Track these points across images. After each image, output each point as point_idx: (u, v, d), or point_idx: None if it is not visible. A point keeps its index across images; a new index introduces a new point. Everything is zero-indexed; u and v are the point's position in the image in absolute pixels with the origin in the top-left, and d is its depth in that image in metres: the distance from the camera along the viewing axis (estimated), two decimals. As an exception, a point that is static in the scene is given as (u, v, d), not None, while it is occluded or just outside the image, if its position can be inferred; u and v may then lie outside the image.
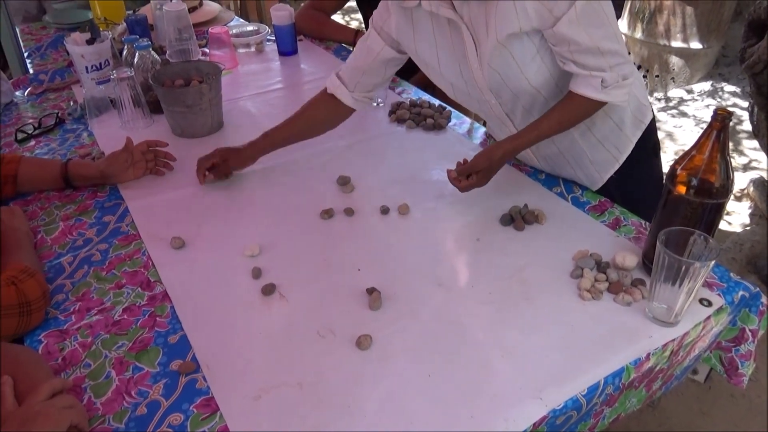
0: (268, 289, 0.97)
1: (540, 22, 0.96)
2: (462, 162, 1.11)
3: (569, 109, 1.04)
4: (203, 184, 1.24)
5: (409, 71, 1.40)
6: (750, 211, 2.53)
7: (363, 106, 1.27)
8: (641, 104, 1.17)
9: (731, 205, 2.60)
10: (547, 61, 1.03)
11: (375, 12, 1.17)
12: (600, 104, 1.03)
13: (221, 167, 1.24)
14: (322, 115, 1.28)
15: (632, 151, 1.18)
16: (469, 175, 1.09)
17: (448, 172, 1.11)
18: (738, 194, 2.66)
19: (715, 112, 0.83)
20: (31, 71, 1.89)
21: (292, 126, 1.27)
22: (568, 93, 1.03)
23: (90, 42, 1.60)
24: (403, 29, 1.13)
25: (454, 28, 1.05)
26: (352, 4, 2.06)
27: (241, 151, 1.26)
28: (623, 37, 0.99)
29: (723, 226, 2.48)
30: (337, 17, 2.37)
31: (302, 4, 2.10)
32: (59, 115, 1.54)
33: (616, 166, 1.19)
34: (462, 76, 1.12)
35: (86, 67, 1.59)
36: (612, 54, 0.97)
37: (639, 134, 1.18)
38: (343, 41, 2.01)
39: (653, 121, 1.21)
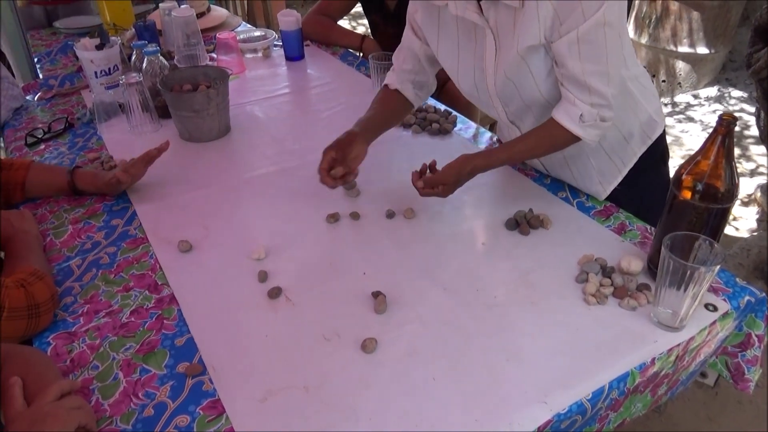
0: (274, 293, 0.97)
1: (550, 33, 0.96)
2: (428, 165, 1.12)
3: (544, 137, 1.05)
4: (334, 187, 1.14)
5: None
6: (757, 216, 2.52)
7: (419, 103, 1.30)
8: (651, 119, 1.17)
9: (738, 210, 2.59)
10: None
11: (409, 5, 1.19)
12: (574, 139, 1.03)
13: (341, 162, 1.13)
14: (397, 105, 1.27)
15: (639, 160, 1.19)
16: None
17: (413, 176, 1.11)
18: (745, 199, 2.65)
19: (720, 117, 0.84)
20: (41, 76, 1.91)
21: (382, 114, 1.24)
22: (549, 119, 1.04)
23: (99, 47, 1.61)
24: (428, 26, 1.14)
25: (480, 32, 1.06)
26: (359, 9, 2.07)
27: (355, 135, 1.16)
28: (616, 78, 1.00)
29: (730, 231, 2.47)
30: (344, 23, 2.38)
31: (309, 10, 2.11)
32: (68, 119, 1.55)
33: (619, 178, 1.20)
34: (474, 80, 1.12)
35: (95, 72, 1.61)
36: (597, 94, 0.97)
37: (644, 149, 1.19)
38: (349, 46, 2.02)
39: (663, 133, 1.21)
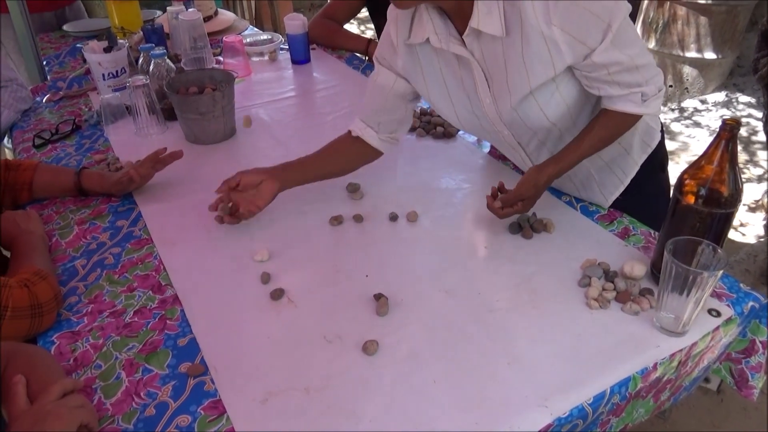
0: (277, 294, 0.98)
1: (574, 57, 0.94)
2: (497, 187, 1.09)
3: (609, 126, 1.03)
4: (219, 222, 1.13)
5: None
6: (764, 222, 2.51)
7: (390, 147, 1.22)
8: (650, 127, 1.17)
9: (745, 216, 2.57)
10: (564, 94, 1.02)
11: (378, 49, 1.14)
12: (637, 118, 1.02)
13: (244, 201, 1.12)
14: (351, 154, 1.22)
15: (640, 168, 1.18)
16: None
17: (488, 200, 1.07)
18: (752, 205, 2.64)
19: (724, 121, 0.83)
20: (49, 79, 1.93)
21: (321, 161, 1.19)
22: (602, 111, 1.02)
23: (107, 50, 1.63)
24: (411, 69, 1.10)
25: (464, 65, 1.03)
26: (366, 13, 2.08)
27: (268, 172, 1.15)
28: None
29: (737, 237, 2.45)
30: (352, 27, 2.39)
31: (315, 14, 2.12)
32: (76, 121, 1.57)
33: (621, 189, 1.19)
34: (473, 110, 1.10)
35: (103, 75, 1.62)
36: (646, 67, 0.97)
37: (645, 157, 1.18)
38: (355, 50, 2.03)
39: (662, 140, 1.21)
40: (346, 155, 1.22)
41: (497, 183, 1.10)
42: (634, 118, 1.02)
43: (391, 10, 1.07)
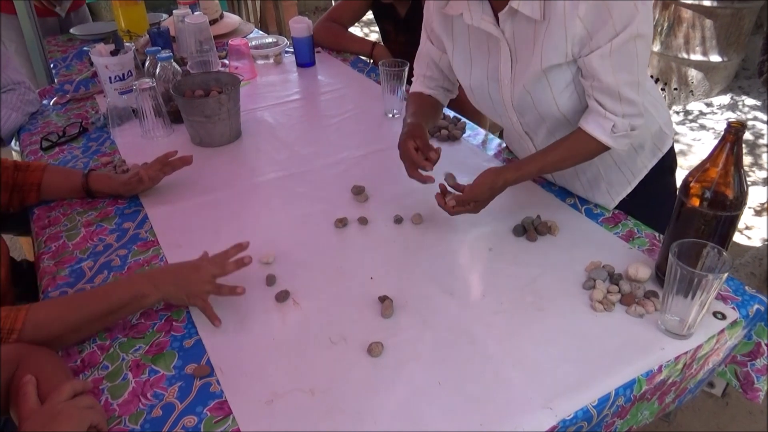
0: (282, 296, 0.98)
1: (579, 48, 0.96)
2: (449, 183, 1.09)
3: (575, 147, 1.04)
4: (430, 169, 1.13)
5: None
6: (770, 225, 2.50)
7: (448, 99, 1.31)
8: (662, 132, 1.17)
9: (751, 219, 2.57)
10: (579, 90, 1.04)
11: (425, 13, 1.18)
12: (604, 148, 1.03)
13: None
14: (434, 104, 1.28)
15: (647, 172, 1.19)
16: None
17: (437, 198, 1.08)
18: (758, 208, 2.63)
19: (729, 124, 0.84)
20: (56, 82, 1.95)
21: (425, 110, 1.24)
22: (577, 129, 1.04)
23: (114, 53, 1.64)
24: (443, 36, 1.15)
25: (493, 44, 1.05)
26: (371, 16, 2.08)
27: (417, 124, 1.18)
28: (645, 86, 1.02)
29: (743, 240, 2.44)
30: (356, 30, 2.39)
31: (320, 17, 2.13)
32: (83, 123, 1.58)
33: (629, 189, 1.20)
34: (489, 91, 1.12)
35: (110, 78, 1.63)
36: (629, 103, 0.97)
37: (655, 161, 1.19)
38: (360, 53, 2.04)
39: (672, 145, 1.21)
40: (436, 107, 1.29)
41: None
42: (600, 147, 1.03)
43: None
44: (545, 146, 1.16)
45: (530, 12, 0.95)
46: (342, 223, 1.17)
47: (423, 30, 1.21)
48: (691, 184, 0.88)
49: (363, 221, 1.17)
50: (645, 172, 1.19)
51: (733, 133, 0.84)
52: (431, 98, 1.27)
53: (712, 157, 0.86)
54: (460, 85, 1.22)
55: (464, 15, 1.04)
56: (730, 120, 0.84)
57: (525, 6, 0.95)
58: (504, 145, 1.44)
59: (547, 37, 0.96)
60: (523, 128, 1.15)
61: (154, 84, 1.48)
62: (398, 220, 1.17)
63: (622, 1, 0.90)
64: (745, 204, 0.87)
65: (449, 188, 1.10)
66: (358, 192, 1.25)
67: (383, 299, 0.96)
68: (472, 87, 1.15)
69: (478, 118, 1.68)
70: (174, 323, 0.94)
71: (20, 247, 2.34)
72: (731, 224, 0.88)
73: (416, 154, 1.12)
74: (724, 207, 0.86)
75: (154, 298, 0.91)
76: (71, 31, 2.34)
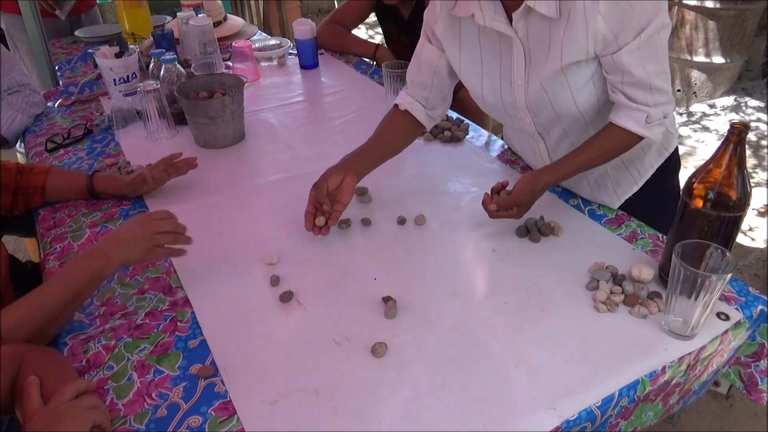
0: (286, 297, 0.98)
1: (603, 47, 0.95)
2: (497, 188, 1.08)
3: (610, 142, 1.03)
4: (318, 234, 1.10)
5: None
6: (774, 226, 2.49)
7: (432, 124, 1.25)
8: (668, 131, 1.17)
9: (754, 220, 2.56)
10: (598, 87, 1.03)
11: (426, 15, 1.14)
12: (638, 139, 1.02)
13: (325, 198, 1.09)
14: (404, 131, 1.22)
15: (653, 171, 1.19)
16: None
17: (485, 198, 1.07)
18: (761, 210, 2.62)
19: (732, 125, 0.84)
20: (61, 84, 1.96)
21: (382, 144, 1.19)
22: (608, 125, 1.03)
23: (118, 55, 1.65)
24: (449, 39, 1.11)
25: (505, 44, 1.04)
26: (374, 18, 2.09)
27: (337, 170, 1.12)
28: (669, 72, 1.02)
29: (746, 241, 2.44)
30: (360, 32, 2.40)
31: (323, 19, 2.13)
32: (87, 125, 1.58)
33: (635, 189, 1.20)
34: (501, 93, 1.11)
35: (114, 80, 1.64)
36: (660, 92, 0.97)
37: (661, 161, 1.19)
38: (363, 55, 2.04)
39: (677, 146, 1.21)
40: (402, 132, 1.23)
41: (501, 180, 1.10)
42: (635, 139, 1.02)
43: None
44: (558, 148, 1.16)
45: (546, 10, 0.95)
46: (345, 224, 1.17)
47: (422, 33, 1.18)
48: (695, 185, 0.88)
49: (366, 222, 1.18)
50: (651, 171, 1.19)
51: (737, 135, 0.84)
52: (406, 120, 1.21)
53: (716, 158, 0.86)
54: (458, 91, 1.21)
55: (476, 16, 1.03)
56: (733, 121, 0.84)
57: (541, 5, 0.95)
58: (506, 146, 1.44)
59: (567, 35, 0.95)
60: (536, 128, 1.15)
61: (159, 86, 1.49)
62: (401, 221, 1.18)
63: None
64: (748, 205, 0.87)
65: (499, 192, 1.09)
66: (362, 193, 1.26)
67: (387, 300, 0.96)
68: (483, 89, 1.13)
69: (481, 119, 1.69)
70: (179, 323, 0.94)
71: (25, 248, 2.35)
72: (734, 225, 0.88)
73: (312, 213, 1.09)
74: (727, 208, 0.86)
75: (111, 268, 0.92)
76: (76, 33, 2.35)
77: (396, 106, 1.22)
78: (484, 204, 1.07)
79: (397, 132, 1.23)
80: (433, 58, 1.16)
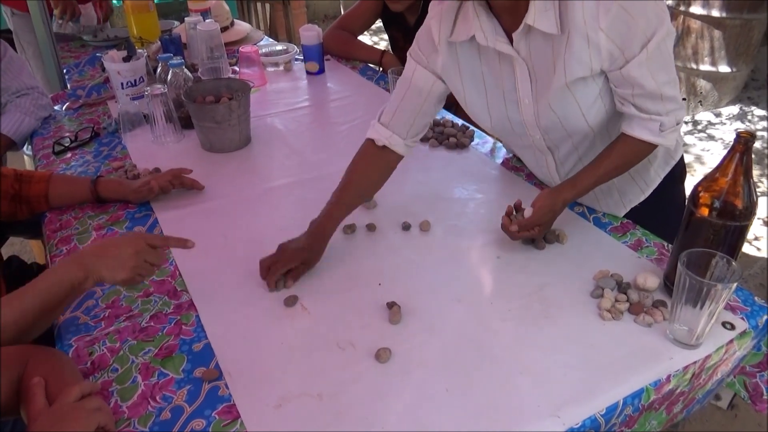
0: (291, 301, 0.99)
1: (609, 63, 0.95)
2: (514, 206, 1.07)
3: (625, 153, 1.03)
4: (274, 290, 1.02)
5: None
6: (779, 236, 2.48)
7: (411, 151, 1.18)
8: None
9: (761, 230, 2.55)
10: (606, 102, 1.03)
11: (414, 49, 1.11)
12: (653, 147, 1.02)
13: (299, 269, 1.04)
14: (381, 168, 1.16)
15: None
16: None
17: (504, 221, 1.05)
18: (767, 219, 2.61)
19: (738, 134, 0.84)
20: (69, 87, 1.97)
21: (352, 192, 1.13)
22: (621, 136, 1.02)
23: (126, 59, 1.66)
24: (449, 68, 1.09)
25: (506, 64, 1.03)
26: (380, 24, 2.10)
27: (315, 239, 1.07)
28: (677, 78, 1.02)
29: (752, 251, 2.43)
30: (366, 38, 2.41)
31: (329, 25, 2.14)
32: (95, 128, 1.59)
33: (642, 198, 1.20)
34: (507, 113, 1.10)
35: (122, 84, 1.65)
36: (671, 100, 0.97)
37: (668, 170, 1.19)
38: (369, 61, 2.05)
39: (682, 155, 1.21)
40: (378, 170, 1.16)
41: (511, 195, 1.09)
42: (650, 147, 1.02)
43: (434, 6, 1.07)
44: (566, 161, 1.16)
45: (547, 27, 0.93)
46: (351, 229, 1.17)
47: (409, 59, 1.12)
48: (701, 194, 0.88)
49: (371, 228, 1.18)
50: (658, 180, 1.18)
51: (743, 143, 0.84)
52: (385, 156, 1.14)
53: (722, 167, 0.86)
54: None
55: (477, 36, 1.01)
56: (739, 130, 0.84)
57: (541, 22, 0.93)
58: (511, 154, 1.44)
59: (568, 51, 0.95)
60: (546, 144, 1.14)
61: (166, 90, 1.49)
62: (406, 227, 1.18)
63: (645, 5, 0.89)
64: (754, 214, 0.87)
65: (515, 211, 1.07)
66: (366, 199, 1.26)
67: (391, 305, 0.96)
68: (490, 114, 1.12)
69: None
70: (183, 327, 0.95)
71: (30, 250, 2.36)
72: (740, 234, 0.88)
73: (273, 269, 1.02)
74: (733, 217, 0.86)
75: (90, 283, 0.88)
76: (84, 37, 2.37)
77: (371, 141, 1.14)
78: (504, 227, 1.06)
79: (372, 171, 1.16)
80: (426, 82, 1.10)
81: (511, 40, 1.00)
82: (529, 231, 1.05)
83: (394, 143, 1.13)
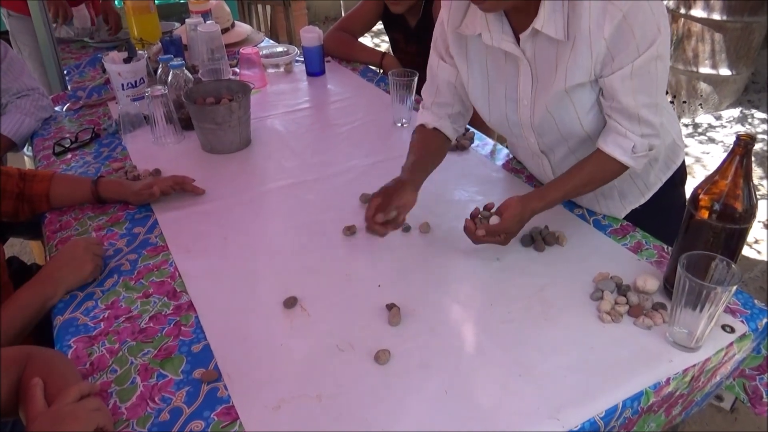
0: (290, 302, 0.99)
1: (601, 68, 0.96)
2: (476, 213, 1.07)
3: (594, 171, 1.04)
4: (383, 234, 1.06)
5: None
6: (779, 239, 2.48)
7: (457, 135, 1.25)
8: (675, 143, 1.17)
9: (761, 233, 2.55)
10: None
11: (435, 40, 1.14)
12: (624, 169, 1.03)
13: (388, 208, 1.05)
14: (438, 144, 1.21)
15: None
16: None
17: (468, 224, 1.05)
18: (767, 222, 2.61)
19: (738, 137, 0.84)
20: (69, 88, 1.97)
21: (426, 157, 1.17)
22: (594, 152, 1.03)
23: (127, 61, 1.66)
24: (456, 53, 1.11)
25: (511, 63, 1.04)
26: (381, 26, 2.10)
27: (405, 183, 1.10)
28: (662, 107, 1.03)
29: (752, 254, 2.43)
30: (367, 40, 2.40)
31: (330, 27, 2.15)
32: (95, 129, 1.59)
33: (642, 201, 1.20)
34: (506, 112, 1.11)
35: (122, 85, 1.65)
36: (647, 124, 0.98)
37: (669, 174, 1.19)
38: (369, 62, 2.05)
39: (684, 159, 1.21)
40: (441, 147, 1.22)
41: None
42: (621, 169, 1.03)
43: None
44: (562, 165, 1.16)
45: (554, 33, 0.94)
46: (350, 231, 1.17)
47: (433, 51, 1.16)
48: (701, 197, 0.88)
49: (371, 229, 1.18)
50: (659, 185, 1.19)
51: (743, 146, 0.84)
52: (437, 138, 1.20)
53: (722, 169, 0.86)
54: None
55: (483, 35, 1.02)
56: (739, 133, 0.84)
57: (549, 27, 0.94)
58: (512, 156, 1.44)
59: (572, 57, 0.95)
60: (540, 148, 1.15)
61: (166, 91, 1.49)
62: (406, 229, 1.18)
63: (645, 21, 0.90)
64: (754, 217, 0.87)
65: (479, 215, 1.07)
66: (367, 200, 1.26)
67: (391, 307, 0.96)
68: (490, 108, 1.13)
69: (486, 128, 1.69)
70: (183, 328, 0.95)
71: (30, 250, 2.36)
72: (740, 237, 0.88)
73: (372, 216, 1.04)
74: (733, 220, 0.86)
75: (60, 291, 1.00)
76: (84, 38, 2.37)
77: (422, 126, 1.21)
78: (468, 230, 1.05)
79: (437, 147, 1.21)
80: (450, 75, 1.15)
81: (518, 40, 1.00)
82: (495, 237, 1.04)
83: (443, 126, 1.19)
